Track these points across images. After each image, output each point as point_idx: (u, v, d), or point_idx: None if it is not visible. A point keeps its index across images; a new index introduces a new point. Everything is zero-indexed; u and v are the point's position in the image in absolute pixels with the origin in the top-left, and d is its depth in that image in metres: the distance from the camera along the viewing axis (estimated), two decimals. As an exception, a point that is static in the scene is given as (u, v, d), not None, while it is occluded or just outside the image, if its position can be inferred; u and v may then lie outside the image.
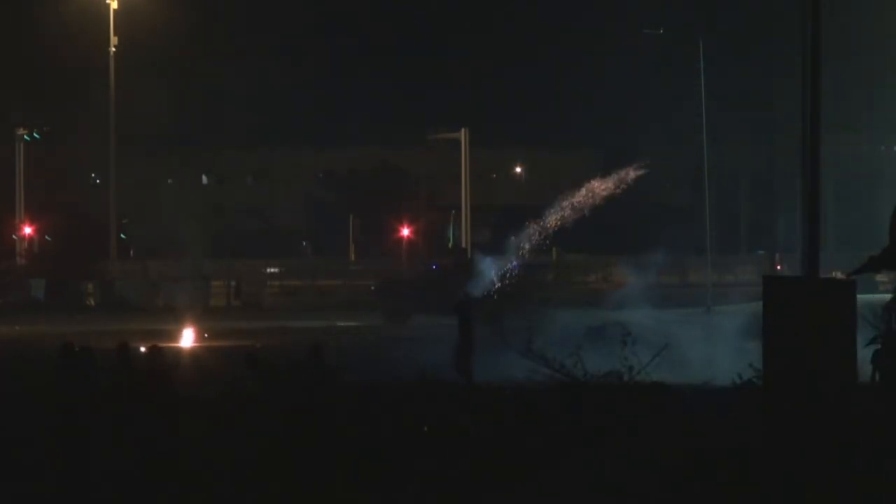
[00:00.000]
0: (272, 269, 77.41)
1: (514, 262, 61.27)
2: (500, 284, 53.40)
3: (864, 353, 24.50)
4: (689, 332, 39.35)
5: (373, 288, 60.77)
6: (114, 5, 74.75)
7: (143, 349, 35.39)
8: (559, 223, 58.58)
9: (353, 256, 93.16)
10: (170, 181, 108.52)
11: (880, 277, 59.49)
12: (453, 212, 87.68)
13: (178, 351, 39.57)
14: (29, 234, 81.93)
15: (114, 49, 75.17)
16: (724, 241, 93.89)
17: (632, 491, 17.98)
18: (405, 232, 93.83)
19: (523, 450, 20.34)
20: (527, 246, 56.64)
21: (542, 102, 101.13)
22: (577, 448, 20.42)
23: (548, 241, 57.82)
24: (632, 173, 57.74)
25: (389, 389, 26.86)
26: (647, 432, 21.07)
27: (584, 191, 58.80)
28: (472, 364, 29.66)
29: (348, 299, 66.63)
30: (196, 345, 41.77)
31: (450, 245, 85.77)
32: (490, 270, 55.99)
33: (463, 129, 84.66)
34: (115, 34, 75.07)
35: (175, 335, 42.89)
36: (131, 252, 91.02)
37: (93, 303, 67.20)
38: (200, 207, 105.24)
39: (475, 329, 30.60)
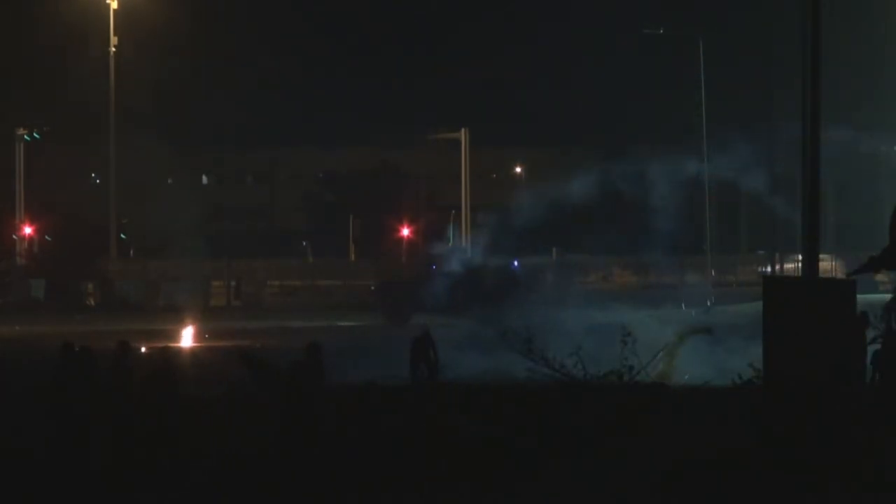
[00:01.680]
0: (273, 282, 77.39)
1: (515, 262, 61.38)
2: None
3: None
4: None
5: (373, 288, 60.75)
6: (114, 5, 74.68)
7: (143, 350, 35.48)
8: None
9: (352, 256, 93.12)
10: (170, 181, 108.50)
11: (880, 277, 59.53)
12: (453, 212, 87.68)
13: (179, 351, 39.56)
14: (29, 234, 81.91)
15: (114, 49, 75.13)
16: (725, 240, 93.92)
17: (631, 492, 17.96)
18: (405, 232, 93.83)
19: (521, 450, 20.33)
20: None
21: (542, 102, 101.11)
22: (576, 449, 20.41)
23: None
24: None
25: (385, 389, 26.87)
26: (647, 433, 21.06)
27: None
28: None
29: (348, 299, 66.63)
30: (196, 345, 41.77)
31: (450, 245, 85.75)
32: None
33: (463, 129, 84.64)
34: (115, 34, 75.02)
35: (175, 335, 42.88)
36: (131, 252, 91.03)
37: (93, 303, 67.16)
38: (200, 207, 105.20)
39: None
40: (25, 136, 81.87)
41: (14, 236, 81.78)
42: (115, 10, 74.95)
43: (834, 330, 22.87)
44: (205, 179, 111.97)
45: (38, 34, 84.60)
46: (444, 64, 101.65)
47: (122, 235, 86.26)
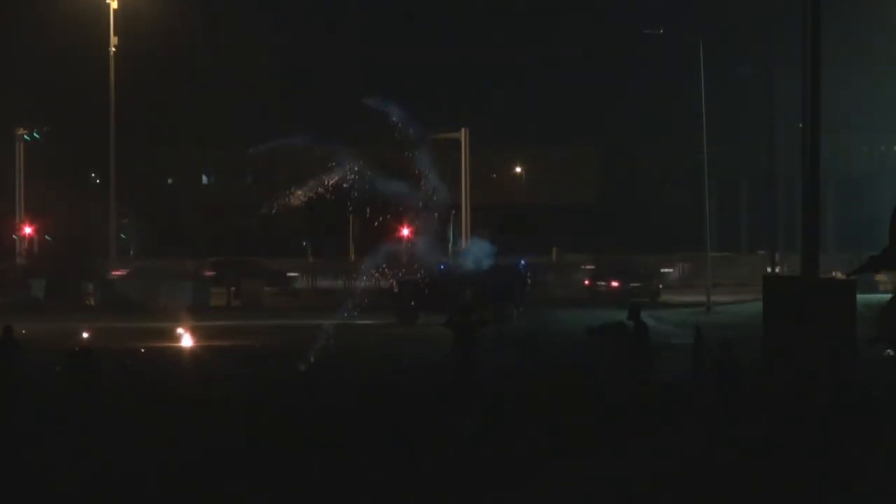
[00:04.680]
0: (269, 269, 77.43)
1: (523, 262, 61.42)
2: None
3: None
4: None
5: (389, 288, 60.92)
6: (114, 5, 74.61)
7: (142, 350, 35.42)
8: None
9: (353, 256, 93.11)
10: (170, 181, 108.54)
11: (880, 277, 59.59)
12: (453, 212, 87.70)
13: (178, 351, 39.58)
14: (29, 234, 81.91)
15: (114, 49, 75.09)
16: (725, 240, 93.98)
17: (635, 489, 17.96)
18: (405, 232, 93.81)
19: (522, 448, 20.34)
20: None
21: (542, 102, 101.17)
22: (575, 447, 20.42)
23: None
24: None
25: (388, 388, 26.89)
26: (650, 430, 21.08)
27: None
28: None
29: (349, 299, 66.56)
30: (195, 345, 41.75)
31: (450, 245, 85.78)
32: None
33: (463, 129, 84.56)
34: (115, 34, 74.97)
35: (174, 335, 42.88)
36: (131, 252, 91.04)
37: (92, 302, 67.10)
38: (200, 207, 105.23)
39: None
40: (25, 136, 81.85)
41: (14, 236, 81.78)
42: (115, 10, 74.89)
43: (833, 328, 22.89)
44: (205, 179, 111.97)
45: (38, 34, 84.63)
46: (444, 63, 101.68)
47: (122, 235, 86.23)
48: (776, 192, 74.30)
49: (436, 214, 61.81)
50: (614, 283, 68.67)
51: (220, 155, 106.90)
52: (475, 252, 58.58)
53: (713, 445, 20.03)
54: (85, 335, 41.93)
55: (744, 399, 22.60)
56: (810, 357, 22.47)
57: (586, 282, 71.24)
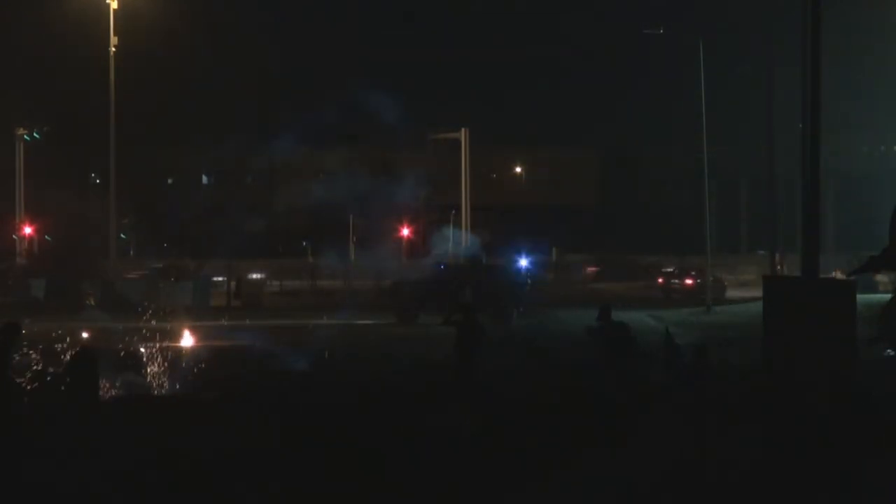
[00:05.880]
0: (256, 275, 77.53)
1: (526, 262, 61.51)
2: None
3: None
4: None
5: (385, 288, 61.04)
6: (114, 5, 74.60)
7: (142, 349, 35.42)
8: None
9: (353, 256, 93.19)
10: (170, 181, 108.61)
11: (880, 277, 59.65)
12: (453, 212, 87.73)
13: (178, 350, 39.56)
14: (29, 234, 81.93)
15: (114, 49, 75.09)
16: (725, 240, 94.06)
17: (636, 489, 17.95)
18: (405, 232, 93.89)
19: (522, 448, 20.34)
20: None
21: (542, 102, 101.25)
22: (574, 447, 20.42)
23: None
24: None
25: (388, 388, 26.88)
26: (650, 431, 21.07)
27: None
28: None
29: (349, 299, 66.67)
30: (195, 344, 41.75)
31: (450, 245, 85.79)
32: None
33: (463, 129, 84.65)
34: (115, 34, 74.98)
35: (174, 335, 42.87)
36: (131, 252, 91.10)
37: (93, 302, 67.10)
38: (200, 207, 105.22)
39: None
40: (25, 136, 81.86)
41: (14, 236, 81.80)
42: (115, 10, 74.88)
43: (833, 329, 22.88)
44: (205, 179, 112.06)
45: (37, 34, 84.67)
46: (444, 63, 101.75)
47: (122, 235, 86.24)
48: (776, 192, 74.28)
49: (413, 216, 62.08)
50: (688, 281, 71.84)
51: (220, 155, 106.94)
52: (461, 250, 58.74)
53: (714, 446, 20.03)
54: (85, 335, 41.94)
55: (739, 399, 22.59)
56: (810, 357, 22.46)
57: (660, 280, 75.27)
